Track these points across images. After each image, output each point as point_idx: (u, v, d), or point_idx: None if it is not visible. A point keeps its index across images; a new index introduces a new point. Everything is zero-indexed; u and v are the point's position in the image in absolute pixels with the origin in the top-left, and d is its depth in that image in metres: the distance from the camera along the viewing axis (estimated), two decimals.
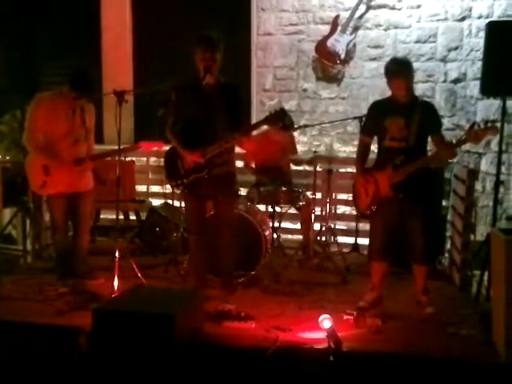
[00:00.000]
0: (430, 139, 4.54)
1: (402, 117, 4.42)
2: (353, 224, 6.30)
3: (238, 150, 4.92)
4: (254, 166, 6.35)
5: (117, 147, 4.79)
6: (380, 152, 4.61)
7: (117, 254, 4.66)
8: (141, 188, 7.12)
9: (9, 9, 7.16)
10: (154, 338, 3.75)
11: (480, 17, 6.42)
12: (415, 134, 4.40)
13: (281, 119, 4.46)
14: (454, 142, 4.41)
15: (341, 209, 6.81)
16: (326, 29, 6.88)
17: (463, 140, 4.27)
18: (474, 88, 6.32)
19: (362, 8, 6.78)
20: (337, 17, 6.83)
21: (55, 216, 5.12)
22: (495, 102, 5.70)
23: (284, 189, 5.63)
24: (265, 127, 5.15)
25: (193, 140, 4.56)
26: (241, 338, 4.03)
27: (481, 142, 4.43)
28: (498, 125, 4.64)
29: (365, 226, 5.63)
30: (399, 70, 4.42)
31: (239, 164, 5.94)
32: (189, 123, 4.60)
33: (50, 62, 7.45)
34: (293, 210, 6.12)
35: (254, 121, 6.82)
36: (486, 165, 6.24)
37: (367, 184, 4.59)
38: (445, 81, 6.71)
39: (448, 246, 5.97)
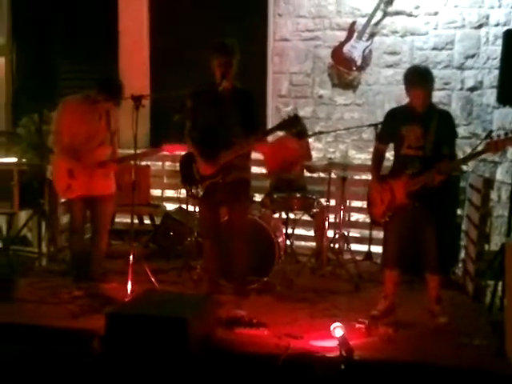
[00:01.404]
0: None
1: (419, 125, 4.41)
2: (366, 232, 6.28)
3: (255, 156, 4.94)
4: (268, 171, 6.37)
5: (139, 151, 4.82)
6: (396, 160, 4.60)
7: (131, 258, 4.68)
8: (156, 192, 7.15)
9: (27, 13, 7.24)
10: (167, 343, 3.77)
11: (497, 24, 6.39)
12: (432, 142, 4.38)
13: (294, 125, 4.47)
14: (473, 151, 4.38)
15: (355, 216, 6.79)
16: (342, 35, 6.89)
17: (483, 150, 4.25)
18: (490, 96, 6.29)
19: (379, 14, 6.78)
20: (353, 23, 6.83)
21: (74, 218, 5.16)
22: (511, 111, 5.67)
23: (298, 195, 5.63)
24: (280, 133, 5.16)
25: (209, 145, 4.58)
26: (253, 345, 4.04)
27: (500, 151, 4.40)
28: None
29: (378, 234, 5.62)
30: (419, 79, 4.39)
31: (254, 170, 5.95)
32: (205, 128, 4.62)
33: (67, 66, 7.54)
34: (306, 217, 6.12)
35: (269, 127, 6.83)
36: (501, 174, 6.20)
37: (383, 191, 4.58)
38: (461, 89, 6.68)
39: (462, 255, 5.94)
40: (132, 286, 4.62)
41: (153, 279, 5.01)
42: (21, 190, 5.88)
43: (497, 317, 4.57)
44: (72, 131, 4.98)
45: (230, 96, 4.58)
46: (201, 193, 4.69)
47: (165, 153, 5.44)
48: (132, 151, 4.90)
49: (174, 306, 4.15)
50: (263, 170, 6.49)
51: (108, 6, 7.55)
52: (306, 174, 6.36)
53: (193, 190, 4.74)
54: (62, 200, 5.76)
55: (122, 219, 6.59)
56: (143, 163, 6.65)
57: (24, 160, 6.81)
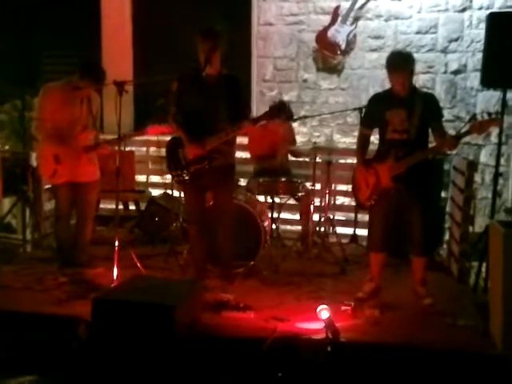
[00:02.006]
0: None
1: (403, 109, 4.42)
2: (352, 215, 6.32)
3: (240, 140, 4.92)
4: (252, 156, 6.36)
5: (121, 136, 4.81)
6: (381, 144, 4.61)
7: (116, 244, 4.66)
8: (140, 178, 7.12)
9: None
10: (154, 328, 3.77)
11: (481, 8, 6.40)
12: (417, 125, 4.40)
13: (281, 113, 4.47)
14: (458, 132, 4.41)
15: (340, 200, 6.82)
16: (326, 19, 6.87)
17: (467, 131, 4.27)
18: (474, 79, 6.31)
19: None
20: (337, 7, 6.81)
21: (60, 204, 5.15)
22: (495, 94, 5.71)
23: (283, 179, 5.63)
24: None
25: (194, 130, 4.58)
26: (239, 328, 4.06)
27: (484, 133, 4.42)
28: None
29: (364, 217, 5.65)
30: (400, 63, 4.40)
31: (239, 155, 5.94)
32: (190, 113, 4.62)
33: (49, 51, 7.45)
34: (292, 201, 6.12)
35: (253, 111, 6.81)
36: (485, 156, 6.24)
37: (368, 175, 4.60)
38: (445, 72, 6.70)
39: (446, 237, 5.99)
40: (118, 271, 4.60)
41: (139, 265, 5.00)
42: (4, 177, 5.83)
43: (481, 298, 4.64)
44: (55, 117, 4.96)
45: (216, 81, 4.58)
46: (186, 178, 4.68)
47: (149, 137, 5.40)
48: (116, 136, 4.87)
49: (160, 291, 4.14)
50: (248, 155, 6.48)
51: None
52: (291, 158, 6.37)
53: (178, 175, 4.73)
54: (46, 186, 5.73)
55: (107, 205, 6.57)
56: (127, 149, 6.60)
57: (7, 147, 6.76)
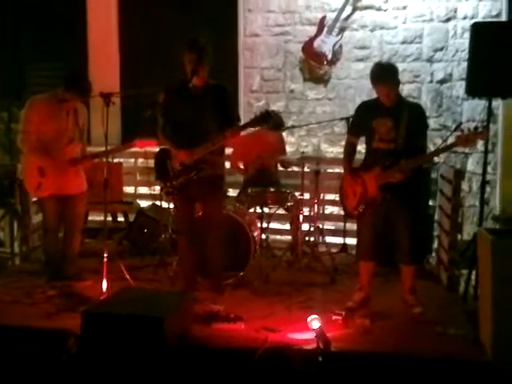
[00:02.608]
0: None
1: (390, 118, 4.44)
2: (341, 224, 6.32)
3: (229, 151, 4.92)
4: (242, 166, 6.36)
5: (108, 148, 4.80)
6: (368, 153, 4.62)
7: (105, 256, 4.64)
8: (129, 189, 7.11)
9: None
10: (143, 340, 3.76)
11: (465, 17, 6.47)
12: (404, 135, 4.41)
13: (266, 121, 4.49)
14: (444, 144, 4.44)
15: (329, 209, 6.83)
16: (312, 30, 6.91)
17: (452, 144, 4.30)
18: (459, 88, 6.37)
19: (349, 9, 6.81)
20: (323, 18, 6.85)
21: (47, 217, 5.13)
22: (481, 103, 5.75)
23: (272, 189, 5.64)
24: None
25: (182, 141, 4.58)
26: (230, 339, 4.05)
27: (470, 145, 4.43)
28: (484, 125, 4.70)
29: (353, 226, 5.64)
30: (383, 75, 4.42)
31: (227, 165, 5.94)
32: (178, 125, 4.62)
33: (35, 63, 7.45)
34: (281, 211, 6.13)
35: (241, 121, 6.82)
36: (472, 165, 6.28)
37: (355, 184, 4.61)
38: (431, 81, 6.75)
39: (435, 245, 6.01)
40: (107, 284, 4.58)
41: (128, 277, 4.98)
42: None
43: (471, 306, 4.65)
44: (40, 130, 4.94)
45: (203, 92, 4.58)
46: (175, 189, 4.67)
47: (136, 148, 5.39)
48: (103, 149, 4.86)
49: (149, 303, 4.13)
50: (240, 165, 6.46)
51: (76, 3, 7.46)
52: (280, 168, 6.38)
53: (167, 187, 4.72)
54: (34, 199, 5.70)
55: (95, 217, 6.54)
56: (115, 160, 6.60)
57: None
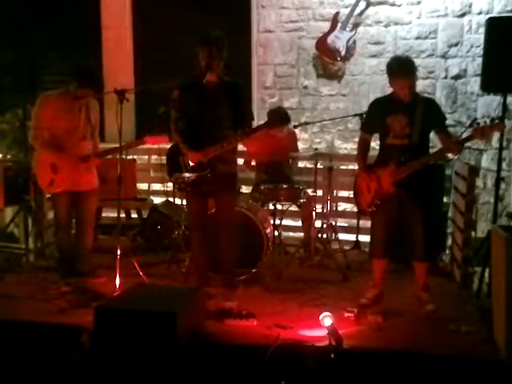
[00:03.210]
0: (433, 135, 4.53)
1: (404, 114, 4.41)
2: (354, 221, 6.31)
3: (241, 148, 4.92)
4: (254, 163, 6.36)
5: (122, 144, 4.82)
6: (382, 149, 4.61)
7: (118, 253, 4.66)
8: (142, 186, 7.13)
9: (7, 8, 7.17)
10: (156, 336, 3.77)
11: (480, 13, 6.40)
12: (418, 131, 4.39)
13: (279, 121, 4.49)
14: (460, 137, 4.41)
15: (342, 206, 6.81)
16: (326, 26, 6.88)
17: (469, 136, 4.27)
18: (474, 84, 6.31)
19: (362, 5, 6.78)
20: (337, 13, 6.82)
21: (59, 214, 5.15)
22: (496, 98, 5.68)
23: (285, 186, 5.63)
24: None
25: (196, 138, 4.58)
26: (242, 336, 4.05)
27: (486, 138, 4.40)
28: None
29: (366, 223, 5.63)
30: (402, 69, 4.39)
31: (240, 162, 5.95)
32: (191, 121, 4.62)
33: (50, 60, 7.48)
34: (294, 208, 6.12)
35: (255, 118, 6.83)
36: (486, 161, 6.23)
37: (369, 181, 4.59)
38: (445, 77, 6.70)
39: (449, 242, 5.97)
40: (120, 280, 4.60)
41: (141, 273, 5.00)
42: (6, 186, 5.85)
43: (484, 303, 4.63)
44: (53, 126, 4.95)
45: (217, 89, 4.57)
46: (187, 185, 4.68)
47: (147, 145, 5.40)
48: (117, 145, 4.88)
49: (162, 299, 4.14)
50: (251, 163, 6.47)
51: (91, 1, 7.48)
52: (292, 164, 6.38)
53: (179, 183, 4.73)
54: (48, 196, 5.73)
55: (109, 214, 6.57)
56: (129, 157, 6.62)
57: (9, 156, 6.76)
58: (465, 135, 4.45)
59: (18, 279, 5.27)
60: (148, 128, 5.22)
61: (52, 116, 4.94)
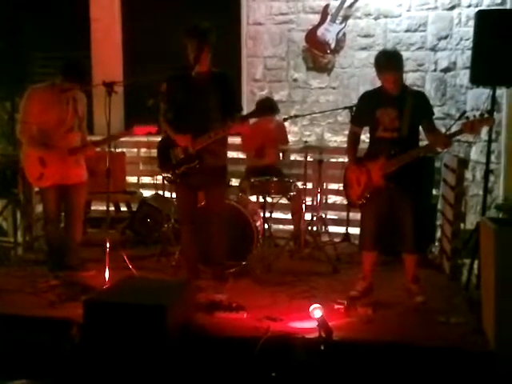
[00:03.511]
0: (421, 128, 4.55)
1: (393, 107, 4.42)
2: (344, 214, 6.32)
3: (231, 140, 4.91)
4: (245, 156, 6.36)
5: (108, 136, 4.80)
6: (372, 142, 4.61)
7: (108, 246, 4.65)
8: (131, 179, 7.12)
9: None
10: (146, 329, 3.76)
11: (469, 6, 6.41)
12: (408, 124, 4.40)
13: (268, 110, 4.48)
14: (450, 132, 4.42)
15: (332, 198, 6.82)
16: (316, 18, 6.87)
17: (459, 130, 4.27)
18: (463, 77, 6.33)
19: None
20: (326, 6, 6.81)
21: (48, 207, 5.12)
22: (485, 91, 5.71)
23: (275, 179, 5.62)
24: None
25: (184, 129, 4.56)
26: (232, 329, 4.06)
27: (476, 132, 4.41)
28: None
29: (356, 216, 5.65)
30: (388, 64, 4.40)
31: (230, 155, 5.93)
32: (180, 112, 4.61)
33: (38, 52, 7.43)
34: (284, 200, 6.12)
35: (244, 110, 6.81)
36: (475, 154, 6.26)
37: (359, 173, 4.60)
38: (435, 70, 6.71)
39: (438, 234, 6.00)
40: (109, 273, 4.59)
41: (131, 266, 4.98)
42: None
43: (473, 295, 4.65)
44: (40, 119, 4.91)
45: (206, 80, 4.56)
46: (177, 177, 4.67)
47: (139, 138, 5.38)
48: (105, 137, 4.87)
49: (152, 292, 4.14)
50: (240, 155, 6.48)
51: None
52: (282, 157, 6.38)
53: (169, 175, 4.72)
54: (37, 189, 5.70)
55: (98, 207, 6.54)
56: (118, 150, 6.60)
57: None
58: (454, 128, 4.46)
59: (6, 272, 5.26)
60: (137, 120, 5.19)
61: (40, 109, 4.90)
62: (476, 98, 6.19)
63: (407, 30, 6.74)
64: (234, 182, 6.07)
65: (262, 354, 3.78)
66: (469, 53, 5.59)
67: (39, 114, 4.90)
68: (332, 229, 6.19)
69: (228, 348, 3.88)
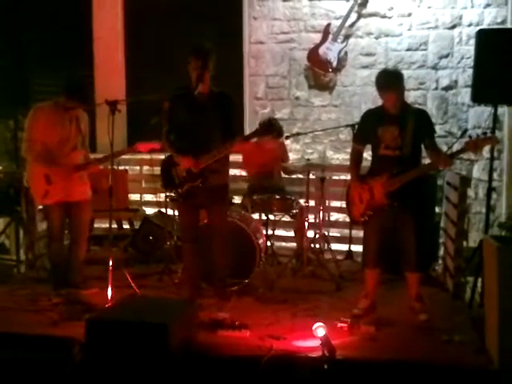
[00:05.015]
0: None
1: (395, 126, 4.43)
2: (346, 231, 6.32)
3: (233, 158, 4.93)
4: (246, 174, 6.37)
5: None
6: (374, 160, 4.62)
7: (110, 264, 4.64)
8: (134, 197, 7.13)
9: (0, 20, 7.17)
10: (148, 348, 3.74)
11: (470, 24, 6.47)
12: (410, 142, 4.41)
13: (270, 130, 4.51)
14: (453, 151, 4.42)
15: (334, 216, 6.82)
16: (317, 37, 6.92)
17: (462, 149, 4.28)
18: (465, 95, 6.36)
19: (353, 16, 6.82)
20: (328, 25, 6.86)
21: (53, 225, 5.12)
22: (486, 109, 5.74)
23: (277, 197, 5.64)
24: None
25: (187, 148, 4.59)
26: (235, 347, 4.03)
27: (479, 151, 4.40)
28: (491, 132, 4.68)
29: (358, 233, 5.64)
30: (387, 83, 4.43)
31: (232, 172, 5.95)
32: (182, 132, 4.64)
33: (41, 71, 7.47)
34: (286, 218, 6.13)
35: (246, 129, 6.84)
36: (478, 171, 6.27)
37: (362, 191, 4.60)
38: (436, 88, 6.74)
39: (441, 252, 5.99)
40: (112, 291, 4.58)
41: (133, 284, 4.97)
42: None
43: (477, 313, 4.63)
44: (45, 138, 4.95)
45: (208, 100, 4.60)
46: (180, 196, 4.68)
47: (142, 156, 5.40)
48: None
49: (154, 311, 4.12)
50: (242, 173, 6.49)
51: (82, 11, 7.50)
52: (284, 175, 6.39)
53: (173, 194, 4.74)
54: (40, 207, 5.71)
55: (101, 224, 6.54)
56: (121, 168, 6.62)
57: (0, 167, 6.74)
58: (456, 146, 4.47)
59: (8, 290, 5.23)
60: (140, 138, 5.23)
61: (45, 128, 4.94)
62: (477, 116, 6.21)
63: (408, 49, 6.79)
64: (237, 200, 6.07)
65: (265, 373, 3.75)
66: (470, 71, 5.63)
67: (44, 132, 4.94)
68: (335, 246, 6.18)
69: (231, 367, 3.85)
